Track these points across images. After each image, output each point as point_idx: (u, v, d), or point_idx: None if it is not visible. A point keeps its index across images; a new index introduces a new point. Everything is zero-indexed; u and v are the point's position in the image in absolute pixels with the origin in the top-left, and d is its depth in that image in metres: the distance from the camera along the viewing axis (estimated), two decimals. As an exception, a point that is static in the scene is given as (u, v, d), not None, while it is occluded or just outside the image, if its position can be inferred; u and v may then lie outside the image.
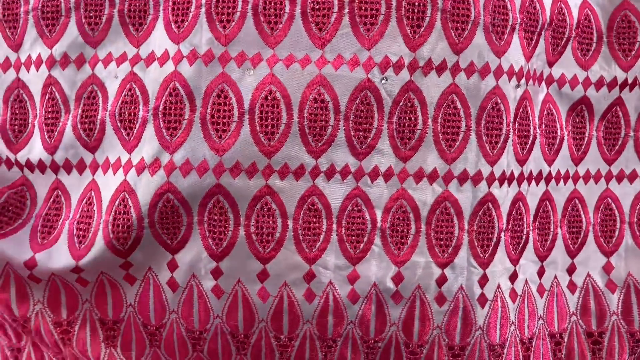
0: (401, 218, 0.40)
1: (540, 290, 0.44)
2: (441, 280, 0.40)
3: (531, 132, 0.42)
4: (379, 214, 0.40)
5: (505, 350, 0.42)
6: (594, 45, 0.45)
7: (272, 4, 0.38)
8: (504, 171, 0.41)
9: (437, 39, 0.39)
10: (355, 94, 0.39)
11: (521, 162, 0.42)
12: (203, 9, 0.39)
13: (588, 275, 0.46)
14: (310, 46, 0.39)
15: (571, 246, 0.45)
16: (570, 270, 0.46)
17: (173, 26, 0.39)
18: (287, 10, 0.38)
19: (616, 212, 0.46)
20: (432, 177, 0.40)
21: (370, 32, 0.38)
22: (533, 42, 0.41)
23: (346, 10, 0.38)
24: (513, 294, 0.42)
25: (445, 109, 0.39)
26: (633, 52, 0.44)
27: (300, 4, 0.38)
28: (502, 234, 0.41)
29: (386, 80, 0.39)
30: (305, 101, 0.39)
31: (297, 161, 0.39)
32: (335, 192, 0.40)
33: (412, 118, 0.39)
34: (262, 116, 0.38)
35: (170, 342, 0.41)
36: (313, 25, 0.38)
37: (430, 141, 0.39)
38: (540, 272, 0.44)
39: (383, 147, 0.39)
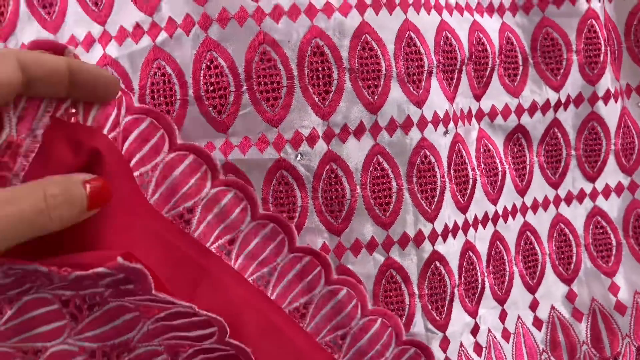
0: (345, 296, 0.36)
1: (505, 335, 0.41)
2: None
3: (470, 176, 0.38)
4: (321, 295, 0.36)
5: (478, 410, 0.38)
6: (521, 68, 0.41)
7: (161, 92, 0.33)
8: (446, 225, 0.37)
9: (350, 101, 0.34)
10: (270, 177, 0.34)
11: (463, 209, 0.38)
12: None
13: (552, 307, 0.43)
14: (211, 132, 0.34)
15: (530, 282, 0.42)
16: (533, 306, 0.42)
17: None
18: (178, 96, 0.33)
19: (570, 236, 0.43)
20: (371, 246, 0.36)
21: (275, 108, 0.34)
22: (454, 81, 0.37)
23: (244, 87, 0.33)
24: (477, 347, 0.39)
25: (372, 173, 0.35)
26: (562, 71, 0.41)
27: (192, 87, 0.33)
28: (456, 289, 0.37)
29: (302, 156, 0.34)
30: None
31: None
32: None
33: (339, 189, 0.35)
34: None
35: None
36: (211, 108, 0.33)
37: (362, 209, 0.35)
38: (502, 317, 0.41)
39: (313, 225, 0.35)
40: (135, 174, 0.32)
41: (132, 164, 0.32)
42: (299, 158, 0.34)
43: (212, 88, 0.33)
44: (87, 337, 0.31)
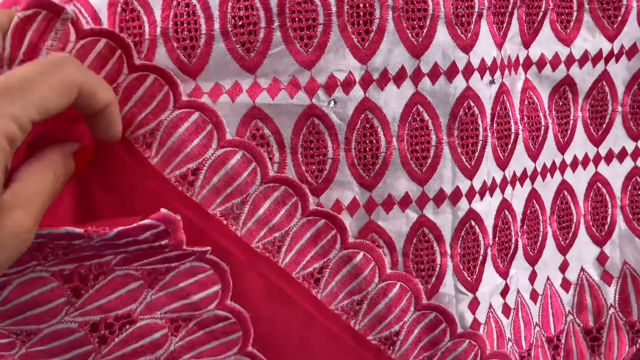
0: (374, 253, 0.33)
1: (534, 296, 0.38)
2: (427, 313, 0.34)
3: (513, 130, 0.34)
4: (347, 252, 0.33)
5: (503, 371, 0.36)
6: (575, 14, 0.36)
7: (185, 25, 0.29)
8: (484, 182, 0.33)
9: (392, 43, 0.30)
10: (300, 124, 0.30)
11: (502, 166, 0.34)
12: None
13: (582, 269, 0.40)
14: (239, 71, 0.29)
15: (562, 242, 0.39)
16: (563, 267, 0.39)
17: None
18: (203, 30, 0.29)
19: (607, 196, 0.39)
20: (404, 202, 0.32)
21: (308, 48, 0.29)
22: (504, 25, 0.33)
23: (276, 23, 0.29)
24: (506, 309, 0.36)
25: (410, 124, 0.31)
26: (619, 18, 0.36)
27: (218, 21, 0.29)
28: (489, 249, 0.34)
29: (335, 103, 0.30)
30: (243, 137, 0.30)
31: None
32: None
33: (374, 141, 0.31)
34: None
35: None
36: (238, 45, 0.29)
37: (397, 163, 0.31)
38: (532, 278, 0.38)
39: (343, 179, 0.31)
40: (140, 132, 0.29)
41: (136, 122, 0.29)
42: (332, 105, 0.30)
43: (240, 23, 0.29)
44: (89, 310, 0.28)
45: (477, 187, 0.33)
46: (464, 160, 0.32)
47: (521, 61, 0.35)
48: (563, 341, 0.39)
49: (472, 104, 0.32)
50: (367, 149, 0.31)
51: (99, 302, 0.28)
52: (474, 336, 0.34)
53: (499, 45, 0.33)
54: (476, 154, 0.33)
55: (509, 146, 0.34)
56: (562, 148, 0.38)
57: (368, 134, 0.31)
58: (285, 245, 0.31)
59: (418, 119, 0.31)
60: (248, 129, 0.30)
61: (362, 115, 0.31)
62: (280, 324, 0.31)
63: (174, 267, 0.29)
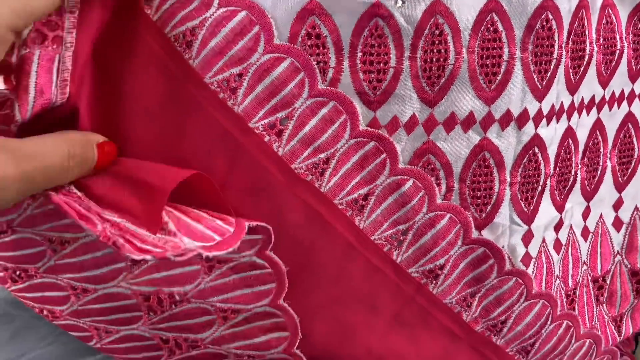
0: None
1: (585, 233, 0.36)
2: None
3: (587, 51, 0.30)
4: (400, 174, 0.29)
5: (548, 308, 0.34)
6: None
7: None
8: (552, 105, 0.30)
9: None
10: (362, 25, 0.26)
11: (572, 90, 0.31)
12: None
13: (636, 208, 0.37)
14: None
15: (620, 178, 0.36)
16: (617, 205, 0.36)
17: None
18: None
19: (672, 132, 0.36)
20: (468, 123, 0.29)
21: None
22: None
23: None
24: (557, 244, 0.33)
25: (483, 34, 0.27)
26: None
27: None
28: (549, 180, 0.31)
29: (403, 2, 0.26)
30: (296, 36, 0.26)
31: None
32: None
33: (443, 50, 0.27)
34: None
35: None
36: None
37: (465, 78, 0.28)
38: (586, 214, 0.35)
39: (404, 92, 0.28)
40: (180, 29, 0.25)
41: (177, 18, 0.25)
42: (399, 5, 0.26)
43: None
44: (143, 281, 0.27)
45: (545, 111, 0.29)
46: (536, 79, 0.29)
47: (605, -27, 0.31)
48: (608, 282, 0.37)
49: (550, 17, 0.28)
50: (434, 59, 0.27)
51: (151, 276, 0.27)
52: (522, 274, 0.31)
53: (586, -49, 0.28)
54: (548, 74, 0.29)
55: (582, 69, 0.31)
56: (633, 76, 0.34)
57: (436, 42, 0.27)
58: (330, 169, 0.28)
59: (492, 29, 0.27)
60: (303, 27, 0.26)
61: (432, 20, 0.27)
62: (318, 252, 0.28)
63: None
